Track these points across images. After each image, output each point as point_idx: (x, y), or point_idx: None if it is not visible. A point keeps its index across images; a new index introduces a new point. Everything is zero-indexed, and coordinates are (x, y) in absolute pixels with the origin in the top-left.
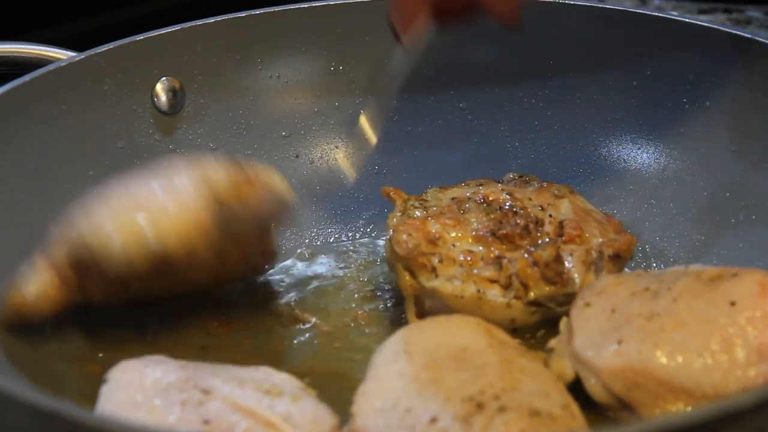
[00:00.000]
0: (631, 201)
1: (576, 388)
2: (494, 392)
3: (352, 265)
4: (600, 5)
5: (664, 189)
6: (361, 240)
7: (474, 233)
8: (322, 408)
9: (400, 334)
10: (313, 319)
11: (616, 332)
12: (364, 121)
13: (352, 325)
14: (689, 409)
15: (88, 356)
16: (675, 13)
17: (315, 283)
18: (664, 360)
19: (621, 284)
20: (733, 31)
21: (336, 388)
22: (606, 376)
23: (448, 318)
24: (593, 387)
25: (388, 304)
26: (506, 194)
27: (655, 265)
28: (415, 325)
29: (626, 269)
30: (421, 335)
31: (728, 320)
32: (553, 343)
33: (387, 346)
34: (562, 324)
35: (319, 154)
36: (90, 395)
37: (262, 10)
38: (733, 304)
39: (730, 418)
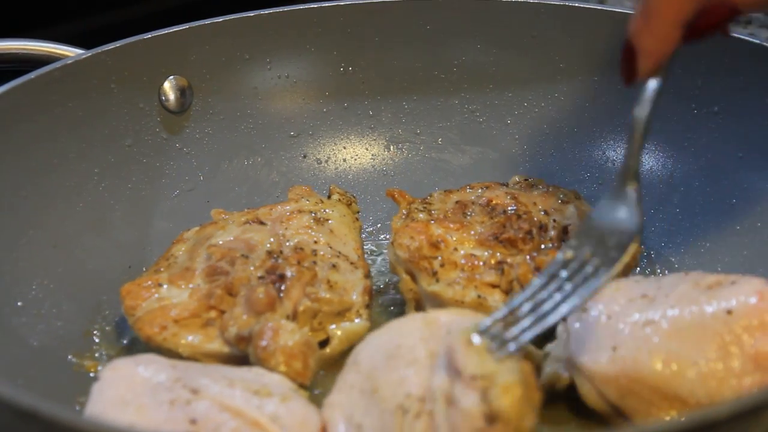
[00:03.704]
0: None
1: (573, 393)
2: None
3: None
4: (610, 8)
5: (671, 195)
6: (367, 241)
7: (477, 237)
8: (312, 409)
9: (357, 346)
10: None
11: (611, 338)
12: None
13: None
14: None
15: (86, 354)
16: None
17: None
18: (658, 367)
19: (618, 290)
20: (743, 37)
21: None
22: (600, 383)
23: (399, 319)
24: (587, 393)
25: (391, 307)
26: (510, 198)
27: (659, 271)
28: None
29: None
30: (367, 342)
31: (724, 328)
32: (549, 347)
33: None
34: (559, 329)
35: (327, 155)
36: (88, 393)
37: (270, 10)
38: (729, 312)
39: (707, 428)
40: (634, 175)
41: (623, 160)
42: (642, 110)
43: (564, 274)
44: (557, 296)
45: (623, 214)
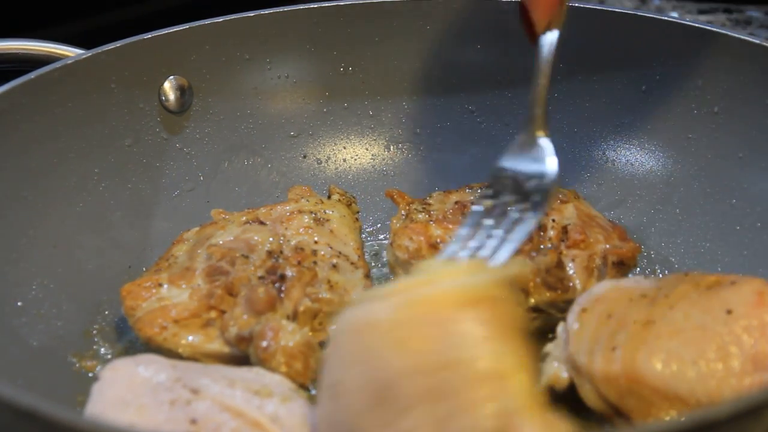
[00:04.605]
0: (638, 206)
1: (573, 393)
2: None
3: None
4: (609, 8)
5: (671, 195)
6: (367, 241)
7: None
8: (312, 410)
9: None
10: None
11: (611, 338)
12: None
13: None
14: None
15: (86, 354)
16: (675, 14)
17: None
18: (658, 367)
19: (619, 290)
20: (743, 37)
21: None
22: (600, 383)
23: None
24: (587, 393)
25: None
26: None
27: (659, 271)
28: None
29: (630, 275)
30: None
31: (724, 328)
32: (549, 347)
33: None
34: (559, 329)
35: (327, 155)
36: (88, 393)
37: (270, 10)
38: (729, 312)
39: (707, 428)
40: (542, 124)
41: (529, 110)
42: (544, 58)
43: (490, 222)
44: (491, 243)
45: (537, 163)
